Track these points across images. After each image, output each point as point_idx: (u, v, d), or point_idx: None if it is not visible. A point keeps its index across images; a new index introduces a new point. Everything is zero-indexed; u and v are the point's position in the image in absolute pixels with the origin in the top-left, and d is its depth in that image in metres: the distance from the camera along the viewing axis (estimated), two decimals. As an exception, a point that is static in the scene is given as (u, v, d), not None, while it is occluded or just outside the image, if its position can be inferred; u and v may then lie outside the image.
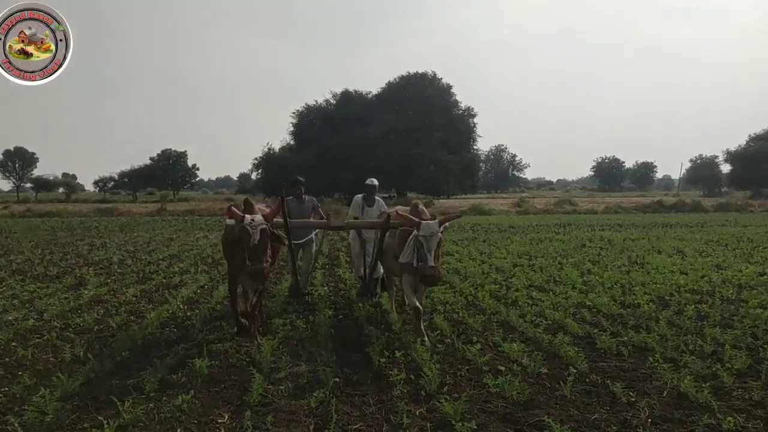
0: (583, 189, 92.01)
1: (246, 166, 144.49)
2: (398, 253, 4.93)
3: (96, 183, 62.67)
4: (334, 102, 45.11)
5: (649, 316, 5.58)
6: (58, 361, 4.32)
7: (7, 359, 4.34)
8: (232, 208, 4.38)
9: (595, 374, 3.95)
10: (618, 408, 3.39)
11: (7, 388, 3.72)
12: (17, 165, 65.45)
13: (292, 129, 45.60)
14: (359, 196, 6.57)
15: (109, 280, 7.97)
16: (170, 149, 64.77)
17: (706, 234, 15.25)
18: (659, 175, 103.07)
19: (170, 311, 5.91)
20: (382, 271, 6.25)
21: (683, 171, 73.85)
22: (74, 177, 78.38)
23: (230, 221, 4.45)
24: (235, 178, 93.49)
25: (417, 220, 4.60)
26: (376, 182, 6.53)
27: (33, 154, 66.72)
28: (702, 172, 69.09)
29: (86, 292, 6.93)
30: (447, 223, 4.73)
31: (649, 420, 3.19)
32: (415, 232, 4.58)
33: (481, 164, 62.70)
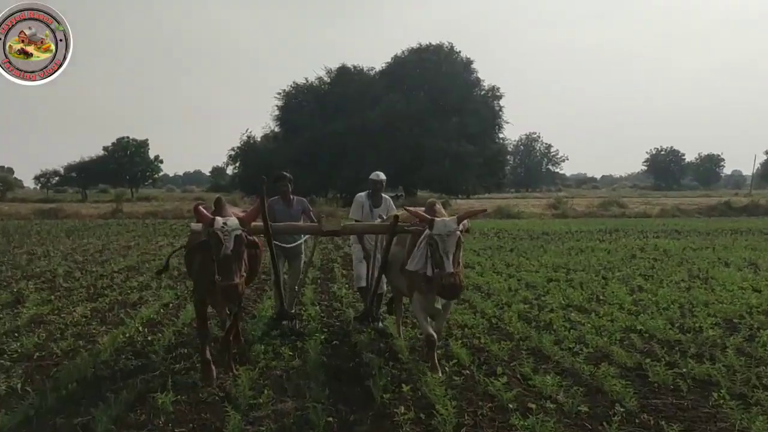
0: (633, 187, 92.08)
1: (220, 158, 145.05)
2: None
3: (37, 178, 63.28)
4: (329, 80, 44.93)
5: (714, 343, 5.57)
6: (-10, 394, 4.34)
7: (-72, 392, 4.36)
8: (200, 208, 4.23)
9: (646, 413, 3.94)
10: (675, 455, 3.39)
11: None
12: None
13: (277, 113, 45.00)
14: (362, 194, 6.51)
15: (52, 297, 8.01)
16: (127, 137, 65.31)
17: (785, 243, 15.19)
18: (727, 170, 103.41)
19: (127, 335, 5.94)
20: (386, 287, 6.24)
21: (757, 165, 73.93)
22: (10, 171, 79.12)
23: (196, 225, 4.41)
24: (207, 174, 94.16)
25: (429, 217, 4.50)
26: (383, 177, 6.44)
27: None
28: (780, 166, 69.11)
29: (25, 311, 6.97)
30: (467, 220, 4.59)
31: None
32: (427, 231, 4.44)
33: (508, 157, 62.64)
